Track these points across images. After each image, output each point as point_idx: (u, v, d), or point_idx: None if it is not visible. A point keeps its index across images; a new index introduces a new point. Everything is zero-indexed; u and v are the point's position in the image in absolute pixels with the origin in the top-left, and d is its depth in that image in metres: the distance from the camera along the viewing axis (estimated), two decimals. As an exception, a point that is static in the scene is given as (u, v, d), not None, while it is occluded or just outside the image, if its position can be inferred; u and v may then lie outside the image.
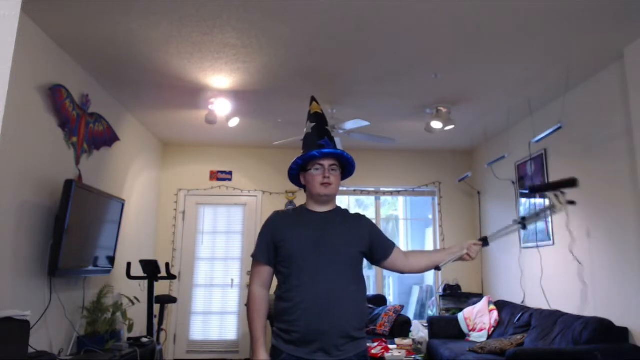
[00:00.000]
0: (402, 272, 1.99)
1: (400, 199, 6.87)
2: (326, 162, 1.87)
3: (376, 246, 1.91)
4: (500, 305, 4.76)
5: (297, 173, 1.96)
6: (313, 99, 2.11)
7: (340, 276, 1.77)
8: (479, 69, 3.64)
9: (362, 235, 1.88)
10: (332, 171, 1.87)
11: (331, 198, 1.91)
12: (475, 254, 1.93)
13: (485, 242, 1.98)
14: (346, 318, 1.73)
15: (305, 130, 2.01)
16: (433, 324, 4.95)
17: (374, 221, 2.03)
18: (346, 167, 1.95)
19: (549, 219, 4.25)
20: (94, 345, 3.36)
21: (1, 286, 2.70)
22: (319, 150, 1.86)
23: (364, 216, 1.99)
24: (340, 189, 1.95)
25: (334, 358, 1.69)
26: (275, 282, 1.88)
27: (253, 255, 1.88)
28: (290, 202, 5.95)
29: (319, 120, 1.99)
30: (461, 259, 1.94)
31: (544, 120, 4.26)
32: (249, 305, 1.83)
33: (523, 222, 2.00)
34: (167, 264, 4.57)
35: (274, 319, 1.81)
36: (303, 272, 1.76)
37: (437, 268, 1.97)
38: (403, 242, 7.11)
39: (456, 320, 4.93)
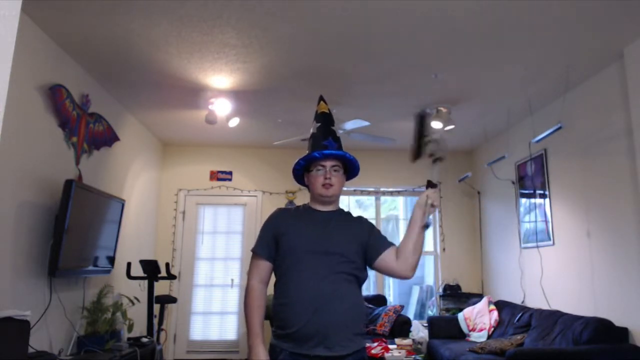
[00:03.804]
0: (396, 274, 1.86)
1: (400, 199, 6.87)
2: (328, 163, 1.87)
3: (372, 244, 1.88)
4: (500, 305, 4.77)
5: (301, 173, 1.97)
6: (321, 99, 2.11)
7: (339, 273, 1.77)
8: (479, 69, 3.64)
9: (362, 235, 1.88)
10: (334, 172, 1.88)
11: (333, 199, 1.92)
12: (435, 200, 1.81)
13: (431, 185, 1.84)
14: (345, 314, 1.74)
15: (311, 130, 2.02)
16: (433, 324, 4.94)
17: (373, 222, 2.03)
18: (350, 168, 1.96)
19: (549, 218, 4.25)
20: (94, 345, 3.36)
21: (1, 286, 2.70)
22: (320, 151, 1.87)
23: (365, 218, 2.00)
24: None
25: (335, 353, 1.70)
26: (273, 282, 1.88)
27: (253, 250, 1.88)
28: (290, 202, 5.95)
29: (325, 121, 2.00)
30: (432, 206, 1.81)
31: (544, 120, 4.26)
32: (246, 299, 1.82)
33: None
34: (167, 264, 4.56)
35: (272, 317, 1.81)
36: (302, 267, 1.76)
37: (427, 226, 1.82)
38: (403, 242, 7.10)
39: (456, 320, 4.93)
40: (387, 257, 1.85)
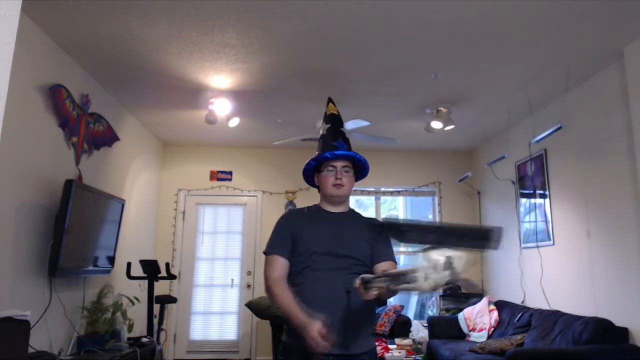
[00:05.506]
0: None
1: (400, 199, 6.86)
2: (338, 164, 1.90)
3: (376, 250, 1.89)
4: (500, 305, 4.77)
5: (311, 174, 1.99)
6: (330, 100, 2.14)
7: (353, 274, 1.77)
8: (479, 69, 3.64)
9: (372, 237, 1.89)
10: (345, 172, 1.90)
11: (343, 199, 1.94)
12: (366, 295, 1.51)
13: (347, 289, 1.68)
14: (361, 314, 1.75)
15: (320, 131, 2.04)
16: (433, 324, 4.94)
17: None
18: (359, 169, 1.98)
19: (549, 218, 4.25)
20: (94, 345, 3.36)
21: (1, 286, 2.70)
22: (332, 152, 1.90)
23: (378, 221, 2.00)
24: None
25: (351, 351, 1.71)
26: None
27: (267, 251, 1.88)
28: (290, 202, 5.95)
29: (334, 122, 2.03)
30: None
31: (544, 120, 4.25)
32: (271, 290, 1.79)
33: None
34: (167, 264, 4.56)
35: (284, 316, 1.81)
36: (317, 267, 1.78)
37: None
38: (403, 242, 7.12)
39: (456, 320, 4.93)
40: (379, 269, 1.81)
